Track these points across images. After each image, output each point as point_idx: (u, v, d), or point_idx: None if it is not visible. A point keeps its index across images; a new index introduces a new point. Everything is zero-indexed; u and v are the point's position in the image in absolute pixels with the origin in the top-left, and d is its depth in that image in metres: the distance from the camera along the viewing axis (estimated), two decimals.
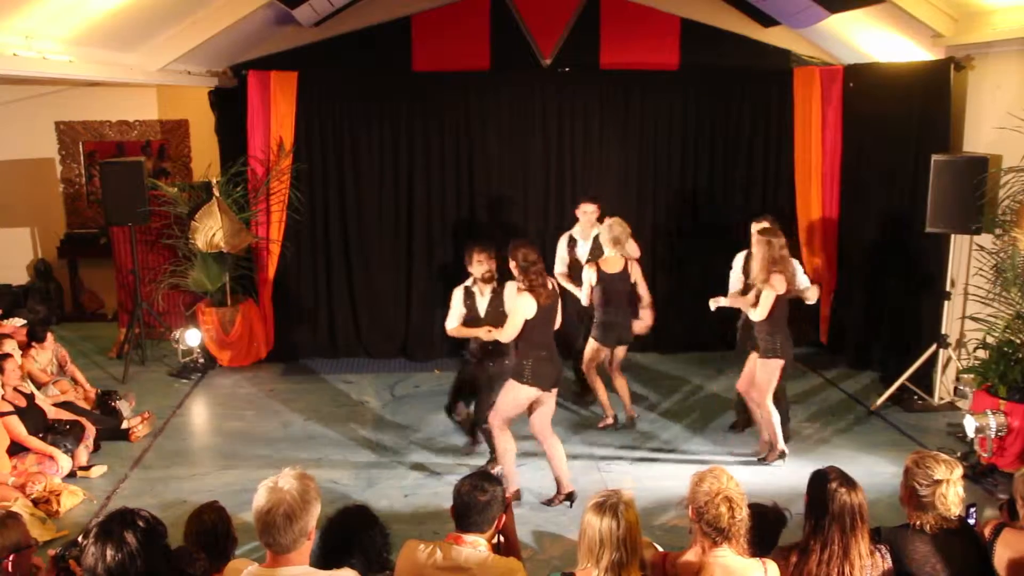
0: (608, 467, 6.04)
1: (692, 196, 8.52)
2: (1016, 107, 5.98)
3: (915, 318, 7.34)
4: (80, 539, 3.26)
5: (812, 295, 6.23)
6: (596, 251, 6.78)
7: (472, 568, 3.12)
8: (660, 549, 3.78)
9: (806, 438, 6.49)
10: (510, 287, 5.43)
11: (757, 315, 5.71)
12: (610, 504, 2.94)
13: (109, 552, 2.51)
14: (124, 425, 6.57)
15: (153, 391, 7.56)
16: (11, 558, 2.89)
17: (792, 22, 7.66)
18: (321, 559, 3.19)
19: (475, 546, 3.17)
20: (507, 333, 5.21)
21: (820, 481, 3.18)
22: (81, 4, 5.39)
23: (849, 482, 3.15)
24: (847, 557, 3.07)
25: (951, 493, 3.21)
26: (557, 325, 5.36)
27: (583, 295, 6.48)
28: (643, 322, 6.64)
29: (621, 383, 6.80)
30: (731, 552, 3.03)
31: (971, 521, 3.51)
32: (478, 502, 3.20)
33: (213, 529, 3.52)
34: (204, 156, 9.12)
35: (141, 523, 2.60)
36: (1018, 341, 5.94)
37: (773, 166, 8.49)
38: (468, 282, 5.90)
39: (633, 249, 6.60)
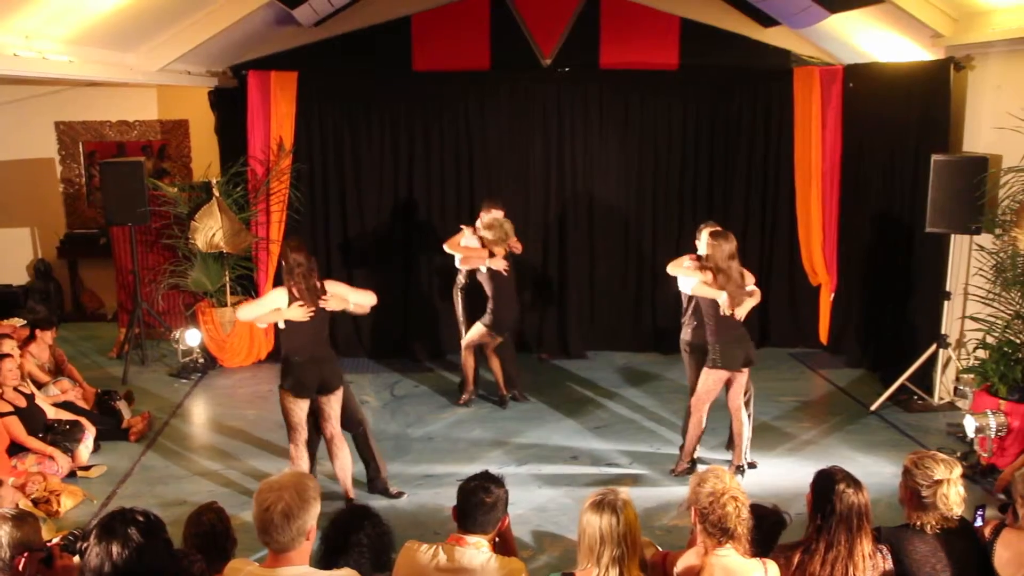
0: (608, 468, 6.04)
1: (692, 196, 8.52)
2: (1016, 107, 5.98)
3: (915, 318, 7.33)
4: (79, 541, 3.26)
5: (740, 311, 5.50)
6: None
7: (476, 570, 3.11)
8: (660, 549, 3.78)
9: (806, 438, 6.49)
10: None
11: (672, 268, 5.84)
12: (608, 501, 2.94)
13: (115, 549, 2.51)
14: (124, 425, 6.57)
15: (153, 391, 7.56)
16: (25, 555, 2.88)
17: (792, 22, 7.66)
18: (322, 559, 3.19)
19: (478, 547, 3.16)
20: (243, 311, 5.16)
21: (826, 481, 3.17)
22: (81, 4, 5.40)
23: (855, 482, 3.15)
24: (851, 557, 3.07)
25: (952, 493, 3.21)
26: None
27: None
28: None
29: (496, 364, 7.17)
30: (734, 552, 3.03)
31: (979, 523, 3.49)
32: (484, 503, 3.19)
33: (212, 530, 3.52)
34: (204, 156, 9.12)
35: (141, 518, 2.60)
36: (1018, 341, 5.94)
37: (773, 166, 8.49)
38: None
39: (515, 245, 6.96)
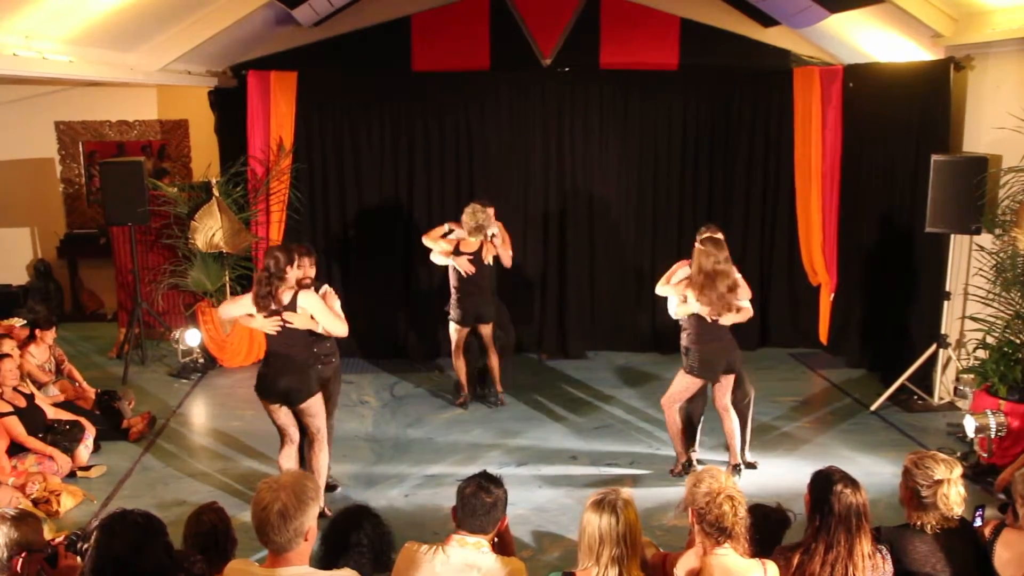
0: (608, 468, 6.04)
1: (692, 196, 8.51)
2: (1016, 107, 5.98)
3: (915, 318, 7.33)
4: (80, 541, 3.26)
5: (737, 317, 5.53)
6: None
7: (476, 570, 3.11)
8: (661, 550, 3.78)
9: (806, 438, 6.48)
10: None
11: (660, 288, 5.73)
12: (608, 501, 2.95)
13: (115, 551, 2.51)
14: (124, 425, 6.57)
15: (153, 391, 7.56)
16: (23, 555, 2.88)
17: (792, 22, 7.66)
18: (322, 559, 3.19)
19: (478, 548, 3.16)
20: (222, 308, 5.24)
21: (824, 482, 3.17)
22: (81, 4, 5.40)
23: (852, 482, 3.15)
24: (851, 557, 3.07)
25: (952, 493, 3.22)
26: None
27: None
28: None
29: (495, 360, 7.14)
30: (732, 551, 3.03)
31: (979, 523, 3.49)
32: (484, 503, 3.18)
33: (212, 530, 3.52)
34: (204, 156, 9.12)
35: (140, 520, 2.61)
36: (1018, 341, 5.94)
37: (773, 166, 8.48)
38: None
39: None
